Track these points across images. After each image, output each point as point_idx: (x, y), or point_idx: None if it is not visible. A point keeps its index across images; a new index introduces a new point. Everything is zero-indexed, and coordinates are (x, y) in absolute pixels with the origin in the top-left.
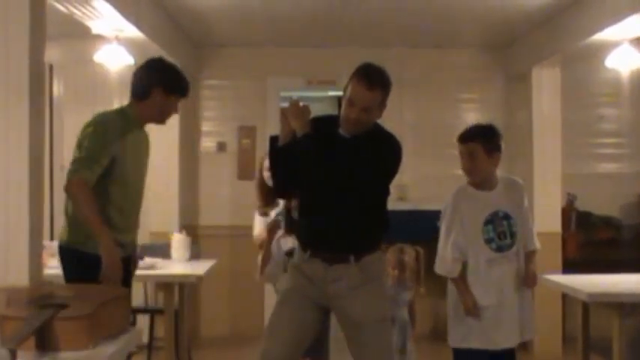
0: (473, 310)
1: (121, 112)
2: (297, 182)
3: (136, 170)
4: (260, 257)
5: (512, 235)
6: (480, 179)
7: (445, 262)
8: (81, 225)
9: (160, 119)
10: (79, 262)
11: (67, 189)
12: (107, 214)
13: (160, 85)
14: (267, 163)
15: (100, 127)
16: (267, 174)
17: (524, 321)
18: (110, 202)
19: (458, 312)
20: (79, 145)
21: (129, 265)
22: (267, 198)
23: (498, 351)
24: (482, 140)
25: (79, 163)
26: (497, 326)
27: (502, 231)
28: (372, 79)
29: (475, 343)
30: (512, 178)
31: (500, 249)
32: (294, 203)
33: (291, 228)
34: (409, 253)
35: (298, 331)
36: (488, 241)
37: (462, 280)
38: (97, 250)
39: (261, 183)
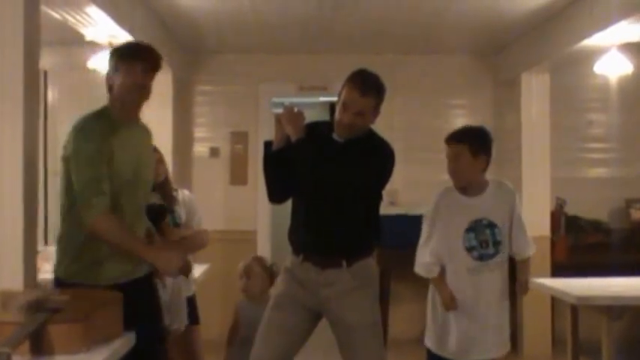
0: (450, 303)
1: (98, 113)
2: (290, 187)
3: (136, 172)
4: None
5: (496, 245)
6: (465, 183)
7: (423, 264)
8: (80, 253)
9: (131, 98)
10: None
11: (93, 233)
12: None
13: (110, 67)
14: None
15: (82, 136)
16: None
17: (502, 335)
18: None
19: (435, 315)
20: (74, 170)
21: (147, 288)
22: None
23: None
24: (468, 142)
25: (85, 195)
26: (473, 338)
27: (484, 239)
28: (366, 84)
29: (447, 353)
30: (504, 183)
31: (481, 258)
32: None
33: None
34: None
35: (289, 335)
36: (470, 249)
37: (440, 278)
38: (102, 278)
39: None
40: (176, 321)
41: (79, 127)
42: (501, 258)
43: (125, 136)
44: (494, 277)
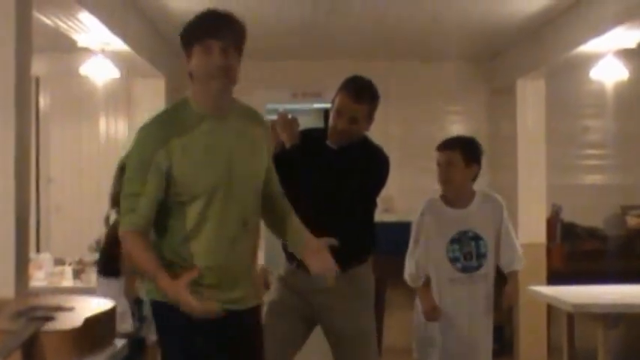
0: (431, 313)
1: (171, 110)
2: (284, 193)
3: (228, 171)
4: None
5: (480, 257)
6: (455, 191)
7: (410, 274)
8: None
9: (212, 85)
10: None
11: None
12: (184, 256)
13: (184, 49)
14: None
15: (134, 143)
16: None
17: (484, 349)
18: (188, 238)
19: (419, 324)
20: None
21: (242, 328)
22: None
23: None
24: (461, 149)
25: (122, 210)
26: (455, 351)
27: (469, 251)
28: (360, 92)
29: None
30: (491, 194)
31: (465, 269)
32: None
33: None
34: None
35: (283, 343)
36: (454, 260)
37: (424, 287)
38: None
39: None
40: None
41: (138, 131)
42: (485, 270)
43: (208, 132)
44: (477, 289)
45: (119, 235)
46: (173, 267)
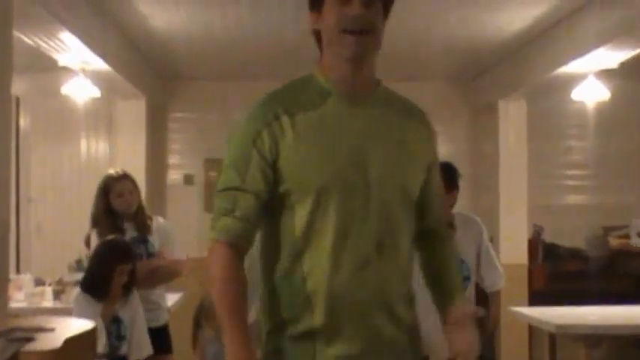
0: None
1: (296, 81)
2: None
3: (336, 175)
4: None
5: (464, 281)
6: None
7: None
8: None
9: (345, 49)
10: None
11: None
12: (295, 280)
13: (310, 7)
14: None
15: (233, 134)
16: None
17: None
18: (299, 253)
19: None
20: None
21: None
22: None
23: None
24: (442, 176)
25: (215, 210)
26: None
27: None
28: None
29: None
30: (470, 216)
31: None
32: None
33: None
34: None
35: None
36: None
37: None
38: None
39: None
40: (135, 351)
41: (242, 118)
42: (468, 293)
43: (334, 113)
44: None
45: (209, 243)
46: (281, 297)
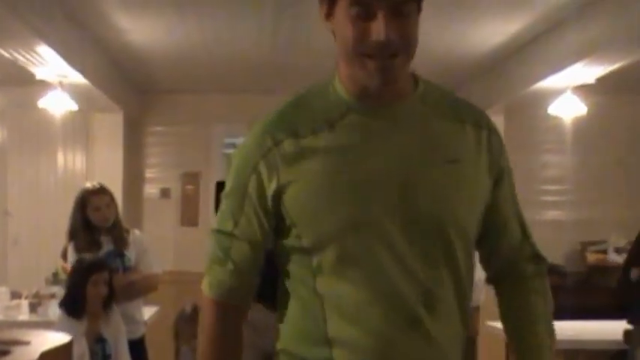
0: None
1: (311, 90)
2: None
3: (364, 212)
4: None
5: None
6: None
7: None
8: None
9: (366, 58)
10: None
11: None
12: (319, 339)
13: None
14: None
15: (234, 159)
16: None
17: None
18: (323, 315)
19: None
20: None
21: None
22: None
23: None
24: None
25: (208, 256)
26: None
27: None
28: None
29: None
30: None
31: None
32: None
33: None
34: None
35: None
36: None
37: None
38: None
39: None
40: None
41: (245, 138)
42: None
43: (356, 128)
44: None
45: (204, 292)
46: None
